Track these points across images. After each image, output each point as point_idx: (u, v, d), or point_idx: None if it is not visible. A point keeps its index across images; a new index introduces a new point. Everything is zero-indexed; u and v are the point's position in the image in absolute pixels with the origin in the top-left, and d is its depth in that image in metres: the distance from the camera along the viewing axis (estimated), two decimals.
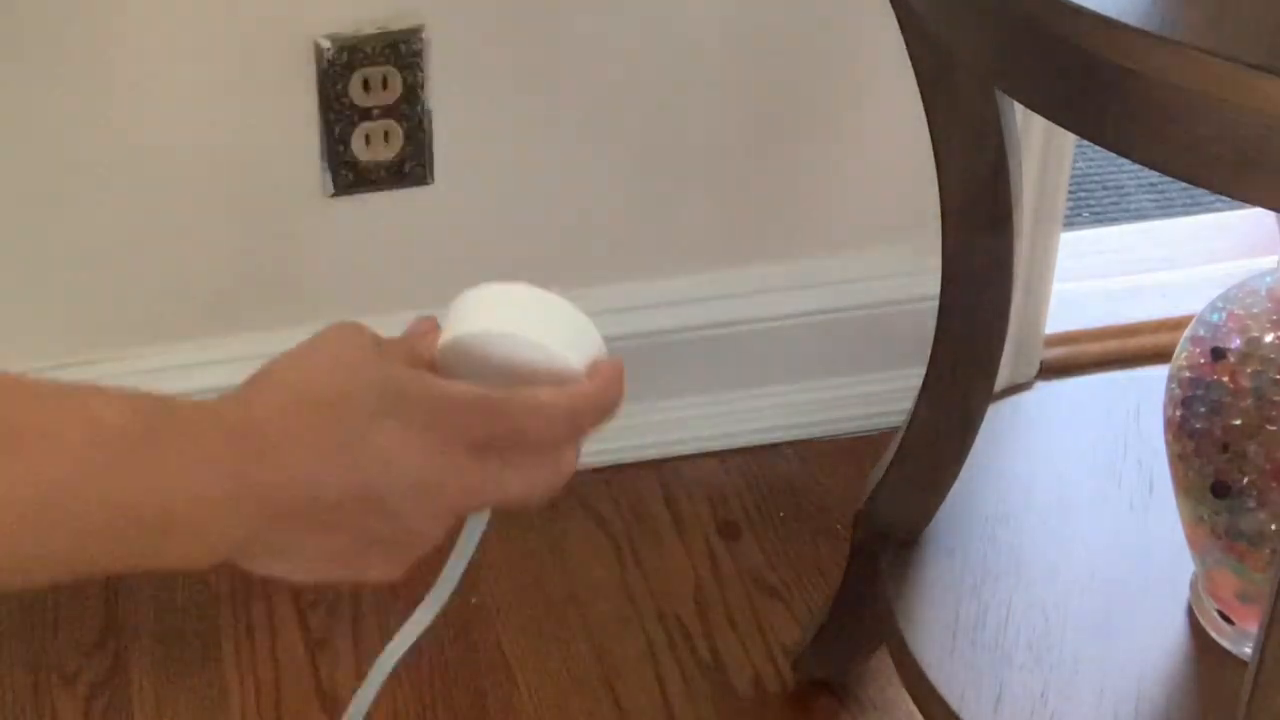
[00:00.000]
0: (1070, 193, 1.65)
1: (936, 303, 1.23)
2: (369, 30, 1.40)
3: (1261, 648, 0.97)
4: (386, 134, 1.43)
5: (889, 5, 1.09)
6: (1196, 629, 1.26)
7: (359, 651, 1.44)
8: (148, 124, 1.41)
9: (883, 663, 1.39)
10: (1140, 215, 1.98)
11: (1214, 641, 1.25)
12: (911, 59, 1.12)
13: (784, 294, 1.58)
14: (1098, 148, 1.32)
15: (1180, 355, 1.22)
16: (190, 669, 1.43)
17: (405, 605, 1.53)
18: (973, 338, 1.23)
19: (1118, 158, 1.60)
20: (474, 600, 1.49)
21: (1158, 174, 1.43)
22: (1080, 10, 0.82)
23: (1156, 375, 1.27)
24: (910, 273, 1.57)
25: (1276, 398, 1.17)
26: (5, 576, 0.61)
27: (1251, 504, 1.18)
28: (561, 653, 1.45)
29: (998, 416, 1.40)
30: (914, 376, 1.28)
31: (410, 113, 1.43)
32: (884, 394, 1.61)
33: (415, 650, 0.89)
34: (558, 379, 0.71)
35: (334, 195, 1.45)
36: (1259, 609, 1.15)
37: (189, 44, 1.38)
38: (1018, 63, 0.89)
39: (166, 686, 1.42)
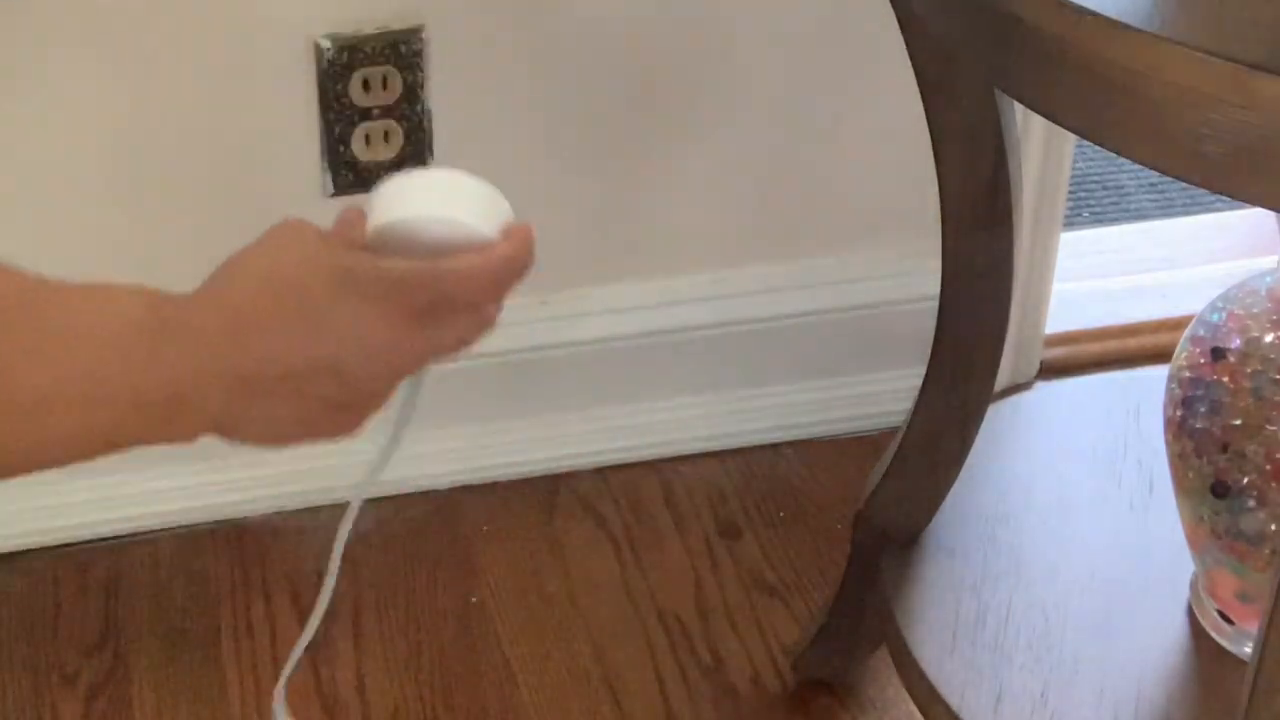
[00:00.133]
0: (1070, 193, 1.65)
1: (936, 303, 1.23)
2: (369, 30, 1.40)
3: (1261, 648, 0.97)
4: (386, 134, 1.43)
5: (889, 5, 1.09)
6: (1196, 629, 1.26)
7: (359, 651, 1.44)
8: (147, 123, 1.41)
9: (883, 663, 1.39)
10: (1140, 215, 1.98)
11: (1214, 641, 1.25)
12: (911, 59, 1.12)
13: (784, 294, 1.58)
14: (1098, 148, 1.32)
15: (1180, 355, 1.22)
16: (190, 669, 1.43)
17: (405, 605, 1.54)
18: (973, 338, 1.23)
19: (1118, 158, 1.60)
20: (474, 600, 1.49)
21: (1158, 174, 1.43)
22: (1081, 10, 0.82)
23: (1156, 375, 1.27)
24: (910, 273, 1.57)
25: (1276, 398, 1.17)
26: (56, 454, 0.74)
27: (1251, 504, 1.18)
28: (561, 653, 1.45)
29: (998, 416, 1.40)
30: (914, 376, 1.28)
31: (410, 113, 1.43)
32: (884, 394, 1.61)
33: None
34: (476, 247, 0.82)
35: (334, 195, 1.45)
36: (1259, 609, 1.15)
37: (189, 44, 1.38)
38: (1018, 63, 0.89)
39: (166, 686, 1.42)
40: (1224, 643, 1.25)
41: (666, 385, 1.59)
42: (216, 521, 1.55)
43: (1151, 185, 2.02)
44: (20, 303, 0.70)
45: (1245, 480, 1.18)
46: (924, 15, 0.97)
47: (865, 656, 1.42)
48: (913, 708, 1.28)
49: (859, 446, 1.62)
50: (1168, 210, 1.99)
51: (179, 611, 1.48)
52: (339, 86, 1.41)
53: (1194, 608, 1.27)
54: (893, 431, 1.31)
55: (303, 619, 1.47)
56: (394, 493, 1.56)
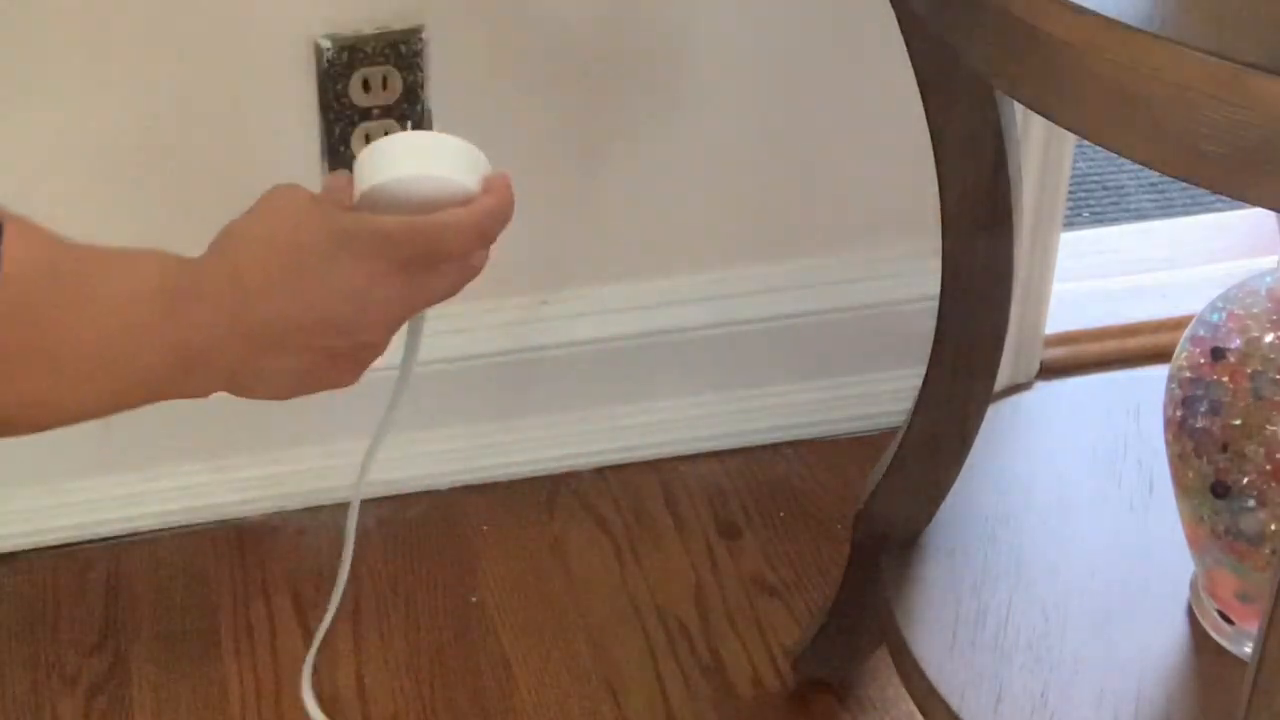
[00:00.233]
0: (1070, 193, 1.65)
1: (936, 303, 1.23)
2: (369, 30, 1.40)
3: (1261, 648, 0.97)
4: (386, 134, 1.43)
5: (889, 5, 1.09)
6: (1196, 629, 1.26)
7: (359, 651, 1.44)
8: (147, 123, 1.41)
9: (883, 663, 1.39)
10: (1140, 215, 1.98)
11: (1214, 641, 1.25)
12: (911, 59, 1.12)
13: (784, 294, 1.58)
14: (1098, 148, 1.32)
15: (1180, 355, 1.22)
16: (190, 669, 1.43)
17: (405, 605, 1.54)
18: (973, 338, 1.23)
19: (1118, 158, 1.60)
20: (474, 600, 1.49)
21: (1158, 174, 1.43)
22: (1081, 10, 0.82)
23: (1156, 375, 1.27)
24: (910, 273, 1.57)
25: (1276, 398, 1.17)
26: (95, 408, 0.77)
27: (1251, 504, 1.18)
28: (561, 653, 1.45)
29: (998, 416, 1.40)
30: (914, 376, 1.28)
31: (410, 113, 1.43)
32: (884, 394, 1.61)
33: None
34: (460, 200, 0.88)
35: None
36: (1259, 609, 1.15)
37: (189, 44, 1.38)
38: (1018, 63, 0.89)
39: (166, 686, 1.42)
40: (1224, 643, 1.25)
41: (666, 385, 1.60)
42: (216, 521, 1.55)
43: (1151, 185, 2.02)
44: (62, 268, 0.74)
45: (1245, 480, 1.18)
46: (924, 15, 0.97)
47: (865, 656, 1.42)
48: (913, 708, 1.28)
49: (859, 446, 1.62)
50: (1168, 210, 1.99)
51: (179, 611, 1.48)
52: (339, 86, 1.41)
53: (1194, 608, 1.27)
54: (893, 431, 1.31)
55: (303, 619, 1.47)
56: (394, 493, 1.57)
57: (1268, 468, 1.17)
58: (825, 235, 1.58)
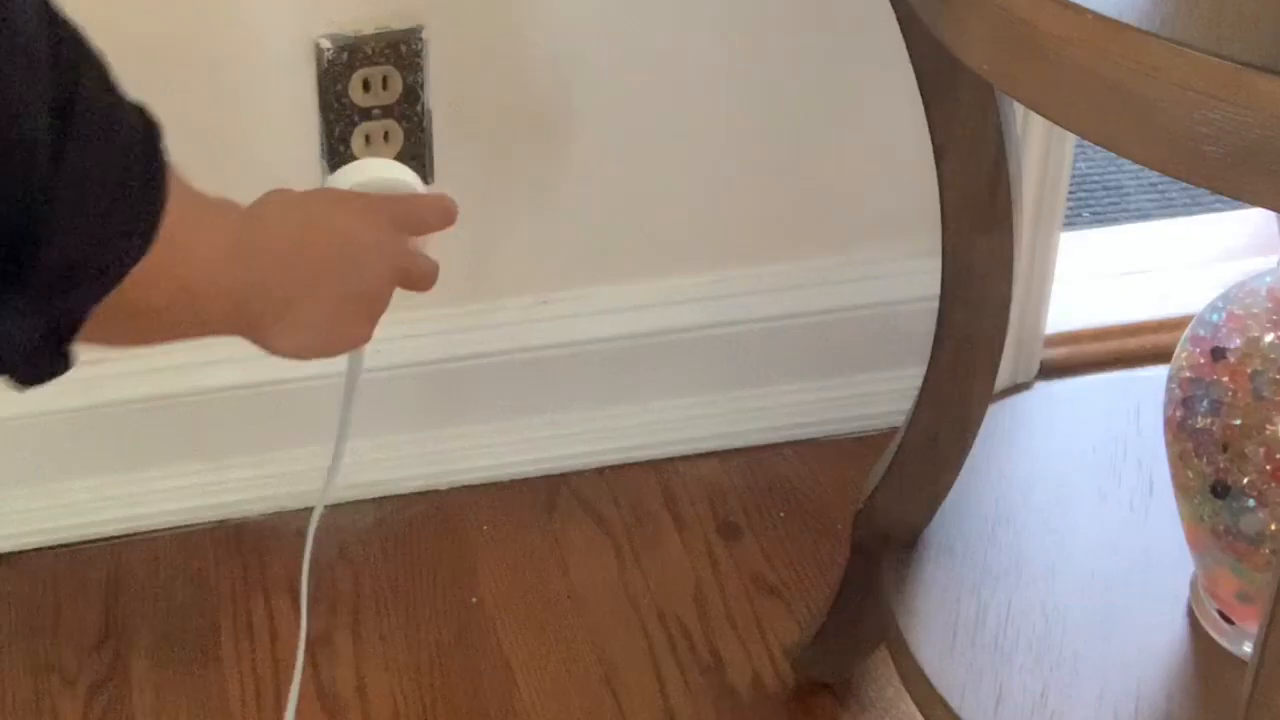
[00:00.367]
0: (1070, 193, 1.65)
1: (936, 303, 1.23)
2: (369, 30, 1.40)
3: (1261, 648, 0.97)
4: (386, 134, 1.43)
5: (889, 5, 1.09)
6: (1196, 629, 1.26)
7: (359, 651, 1.44)
8: None
9: (883, 663, 1.39)
10: (1140, 215, 1.98)
11: (1214, 641, 1.25)
12: (911, 59, 1.12)
13: (784, 294, 1.58)
14: (1097, 148, 1.32)
15: (1180, 355, 1.22)
16: (190, 669, 1.43)
17: (405, 605, 1.54)
18: (973, 338, 1.23)
19: (1118, 158, 1.61)
20: (474, 600, 1.49)
21: (1158, 174, 1.43)
22: (1081, 10, 0.82)
23: (1156, 375, 1.27)
24: (910, 273, 1.57)
25: (1276, 398, 1.17)
26: (180, 333, 0.85)
27: (1251, 504, 1.18)
28: (561, 653, 1.45)
29: (998, 417, 1.40)
30: (914, 376, 1.28)
31: (410, 113, 1.43)
32: (884, 394, 1.61)
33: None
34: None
35: None
36: (1259, 609, 1.15)
37: (189, 44, 1.38)
38: (1017, 63, 0.89)
39: (166, 686, 1.42)
40: (1224, 643, 1.25)
41: (666, 385, 1.60)
42: (216, 521, 1.55)
43: (1151, 185, 2.02)
44: (193, 205, 0.81)
45: (1245, 480, 1.18)
46: (924, 15, 0.97)
47: (865, 656, 1.42)
48: (913, 708, 1.28)
49: (859, 446, 1.62)
50: (1168, 210, 1.99)
51: (179, 611, 1.48)
52: (339, 86, 1.41)
53: (1194, 608, 1.27)
54: (893, 431, 1.31)
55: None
56: (394, 493, 1.57)
57: (1268, 468, 1.17)
58: (825, 235, 1.58)
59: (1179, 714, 1.22)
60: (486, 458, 1.59)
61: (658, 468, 1.61)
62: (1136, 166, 1.92)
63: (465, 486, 1.59)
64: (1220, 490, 1.19)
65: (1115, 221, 1.97)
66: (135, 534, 1.53)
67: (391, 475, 1.54)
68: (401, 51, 1.40)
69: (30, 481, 1.51)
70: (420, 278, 1.01)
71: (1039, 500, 1.35)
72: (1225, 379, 1.18)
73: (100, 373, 1.48)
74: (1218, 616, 1.25)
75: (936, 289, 1.23)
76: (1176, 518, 1.25)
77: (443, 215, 1.03)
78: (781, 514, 1.57)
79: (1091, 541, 1.32)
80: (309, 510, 1.57)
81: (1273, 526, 1.18)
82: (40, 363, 0.74)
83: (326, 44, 1.39)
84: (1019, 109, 1.27)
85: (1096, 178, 2.03)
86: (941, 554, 1.31)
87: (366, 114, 1.42)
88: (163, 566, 1.51)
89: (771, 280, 1.58)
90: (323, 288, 0.94)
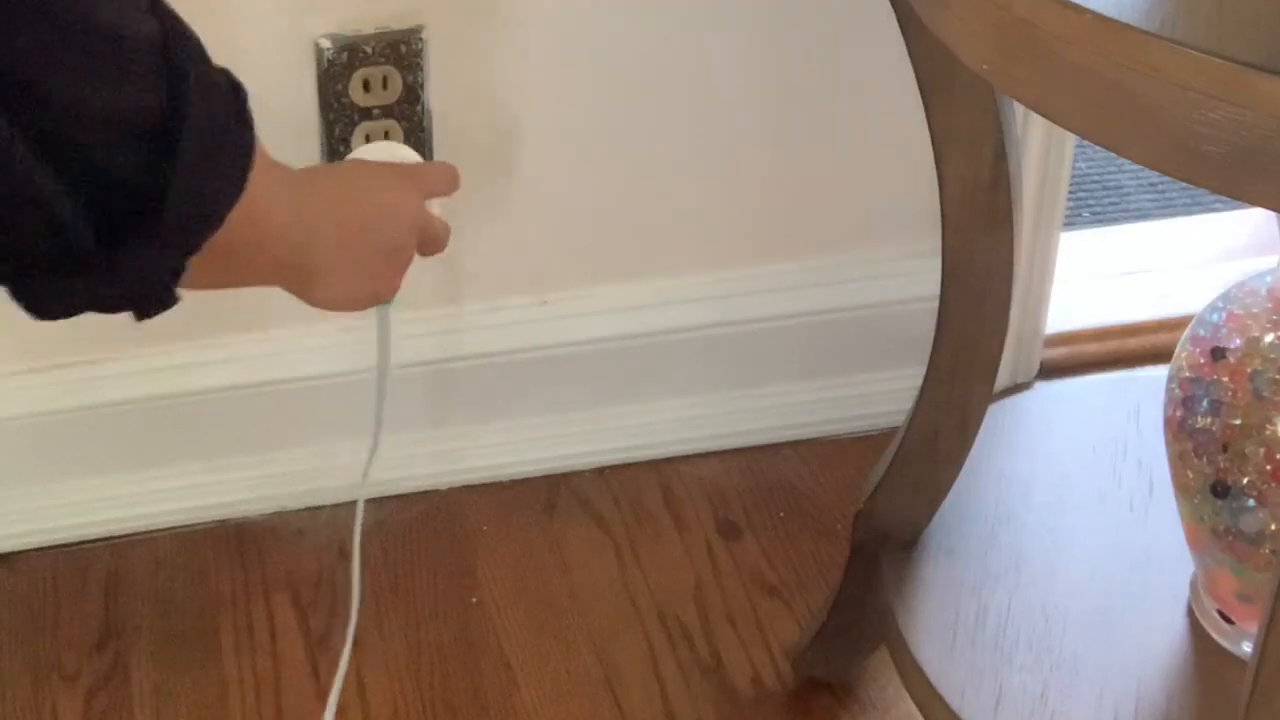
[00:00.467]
0: (1070, 193, 1.65)
1: (936, 303, 1.23)
2: (369, 30, 1.40)
3: (1261, 648, 0.97)
4: (386, 134, 1.43)
5: (889, 5, 1.09)
6: (1196, 629, 1.27)
7: (359, 651, 1.44)
8: None
9: (883, 663, 1.39)
10: (1140, 215, 1.98)
11: (1214, 641, 1.25)
12: (911, 59, 1.12)
13: (784, 294, 1.58)
14: (1097, 148, 1.32)
15: (1180, 355, 1.22)
16: (190, 669, 1.43)
17: (405, 605, 1.54)
18: (973, 338, 1.23)
19: (1118, 158, 1.61)
20: (474, 600, 1.49)
21: (1158, 174, 1.43)
22: (1081, 10, 0.82)
23: (1156, 375, 1.27)
24: (910, 273, 1.57)
25: (1276, 398, 1.17)
26: (240, 277, 0.94)
27: (1251, 504, 1.18)
28: (561, 653, 1.45)
29: (998, 416, 1.40)
30: (914, 376, 1.28)
31: (410, 113, 1.43)
32: (884, 394, 1.61)
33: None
34: None
35: None
36: (1259, 609, 1.15)
37: None
38: (1017, 63, 0.89)
39: (166, 686, 1.42)
40: (1224, 643, 1.25)
41: (666, 385, 1.60)
42: (216, 521, 1.55)
43: (1151, 185, 2.02)
44: (261, 153, 0.90)
45: (1245, 480, 1.18)
46: (924, 15, 0.97)
47: (865, 656, 1.42)
48: (913, 708, 1.28)
49: (859, 446, 1.62)
50: (1168, 210, 1.99)
51: (179, 611, 1.48)
52: (339, 86, 1.41)
53: (1194, 608, 1.27)
54: (893, 431, 1.31)
55: (303, 619, 1.47)
56: (394, 493, 1.57)
57: (1268, 468, 1.17)
58: (825, 235, 1.58)
59: (1179, 714, 1.22)
60: (486, 458, 1.59)
61: (658, 468, 1.61)
62: (1136, 166, 1.92)
63: (465, 486, 1.59)
64: (1220, 490, 1.19)
65: (1115, 221, 1.97)
66: (135, 534, 1.53)
67: (391, 475, 1.54)
68: (401, 51, 1.40)
69: (30, 481, 1.51)
70: (435, 236, 1.13)
71: (1039, 500, 1.35)
72: (1225, 379, 1.18)
73: (100, 373, 1.48)
74: (1218, 616, 1.25)
75: (936, 289, 1.23)
76: (1176, 518, 1.25)
77: (451, 180, 1.17)
78: (781, 514, 1.57)
79: (1091, 541, 1.32)
80: (309, 510, 1.58)
81: (1273, 526, 1.18)
82: (166, 299, 0.85)
83: (326, 44, 1.39)
84: (1019, 109, 1.27)
85: (1096, 178, 2.03)
86: (941, 554, 1.31)
87: (366, 114, 1.42)
88: (163, 566, 1.51)
89: (771, 280, 1.58)
90: (358, 244, 1.05)
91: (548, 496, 1.58)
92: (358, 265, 1.05)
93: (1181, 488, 1.22)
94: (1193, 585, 1.28)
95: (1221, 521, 1.20)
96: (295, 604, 1.48)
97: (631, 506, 1.58)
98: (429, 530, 1.55)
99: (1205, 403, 1.19)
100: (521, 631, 1.47)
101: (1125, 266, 1.79)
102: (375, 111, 1.42)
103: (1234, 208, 1.84)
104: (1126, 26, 0.81)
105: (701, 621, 1.48)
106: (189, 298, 1.22)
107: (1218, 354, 1.19)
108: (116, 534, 1.53)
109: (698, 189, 1.53)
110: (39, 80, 0.75)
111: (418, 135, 1.44)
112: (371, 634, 1.46)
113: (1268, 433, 1.17)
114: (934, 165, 1.17)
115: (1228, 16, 0.82)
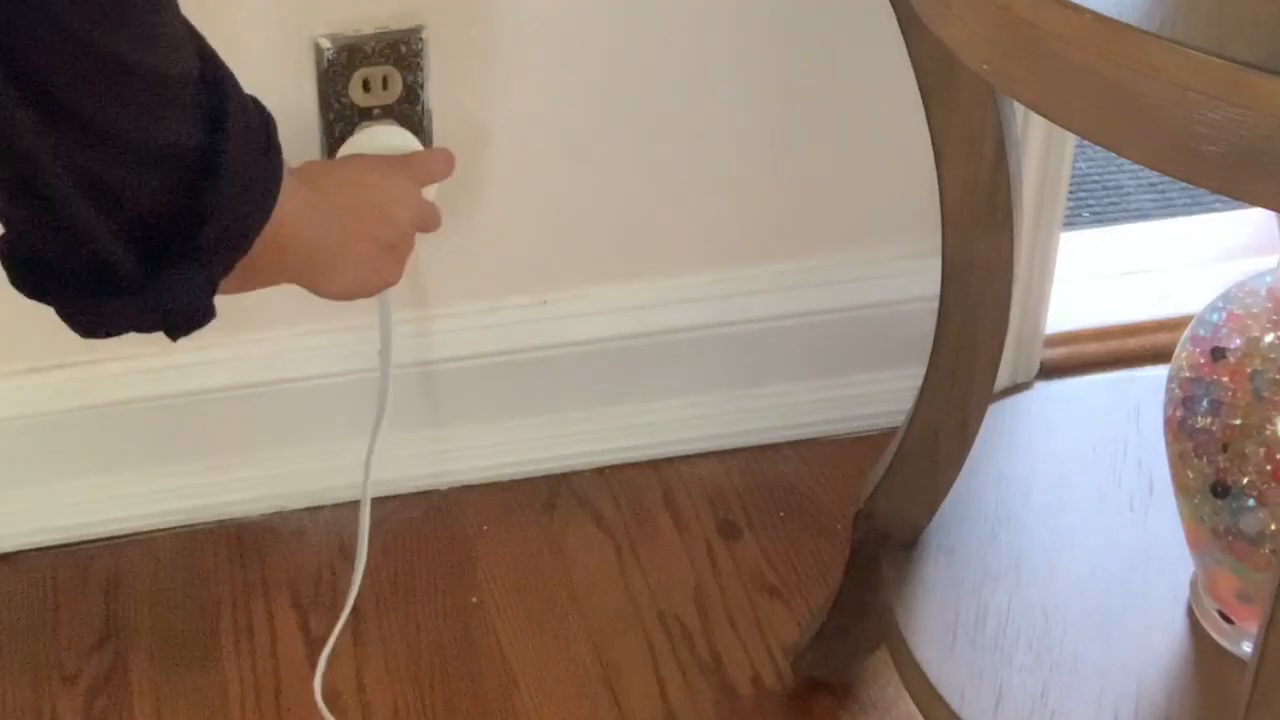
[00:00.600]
0: (1070, 193, 1.65)
1: (936, 303, 1.23)
2: (369, 30, 1.40)
3: (1261, 648, 0.97)
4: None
5: (888, 5, 1.09)
6: (1196, 629, 1.27)
7: (359, 651, 1.44)
8: None
9: (883, 663, 1.39)
10: (1140, 215, 1.98)
11: (1214, 641, 1.25)
12: (911, 59, 1.12)
13: (784, 293, 1.58)
14: (1097, 148, 1.32)
15: (1180, 355, 1.22)
16: (190, 669, 1.43)
17: (405, 605, 1.54)
18: (973, 338, 1.23)
19: (1118, 158, 1.61)
20: (474, 600, 1.49)
21: (1158, 174, 1.43)
22: (1080, 10, 0.82)
23: (1156, 375, 1.27)
24: (910, 273, 1.57)
25: (1276, 398, 1.17)
26: (260, 281, 0.99)
27: (1251, 504, 1.18)
28: (561, 653, 1.45)
29: (998, 416, 1.40)
30: (914, 376, 1.28)
31: (410, 113, 1.43)
32: (884, 394, 1.61)
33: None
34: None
35: None
36: (1259, 609, 1.15)
37: None
38: (1017, 63, 0.89)
39: (166, 686, 1.42)
40: (1224, 643, 1.25)
41: (666, 385, 1.60)
42: (216, 521, 1.55)
43: (1151, 185, 2.02)
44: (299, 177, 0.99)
45: (1245, 480, 1.18)
46: (924, 15, 0.97)
47: (865, 656, 1.42)
48: (913, 708, 1.28)
49: (859, 446, 1.62)
50: (1168, 210, 1.99)
51: (179, 611, 1.48)
52: (339, 86, 1.41)
53: (1194, 608, 1.27)
54: (893, 431, 1.31)
55: (303, 619, 1.47)
56: (394, 493, 1.57)
57: (1268, 468, 1.17)
58: (825, 235, 1.58)
59: (1179, 714, 1.22)
60: (486, 458, 1.59)
61: (658, 468, 1.61)
62: (1136, 166, 1.92)
63: (465, 486, 1.59)
64: (1220, 490, 1.19)
65: (1115, 221, 1.97)
66: (135, 534, 1.53)
67: (391, 475, 1.54)
68: (401, 51, 1.40)
69: (30, 481, 1.51)
70: (428, 220, 1.23)
71: (1039, 500, 1.35)
72: (1225, 379, 1.18)
73: (100, 373, 1.48)
74: (1218, 616, 1.25)
75: (936, 289, 1.23)
76: (1176, 518, 1.25)
77: (446, 165, 1.29)
78: (781, 514, 1.57)
79: (1091, 541, 1.32)
80: (309, 510, 1.58)
81: (1273, 526, 1.18)
82: (203, 317, 0.91)
83: (326, 44, 1.39)
84: (1019, 109, 1.27)
85: (1096, 178, 2.03)
86: (941, 554, 1.31)
87: (366, 114, 1.42)
88: (163, 566, 1.51)
89: (771, 280, 1.58)
90: (364, 238, 1.11)
91: (548, 496, 1.58)
92: (364, 258, 1.11)
93: (1181, 488, 1.22)
94: (1193, 585, 1.28)
95: (1221, 521, 1.20)
96: (295, 604, 1.48)
97: (631, 506, 1.58)
98: (429, 530, 1.55)
99: (1205, 403, 1.19)
100: (521, 631, 1.47)
101: (1125, 266, 1.79)
102: (375, 111, 1.42)
103: (1234, 208, 1.84)
104: (1126, 26, 0.81)
105: (701, 621, 1.48)
106: None
107: (1218, 354, 1.19)
108: (116, 534, 1.53)
109: (698, 189, 1.53)
110: (92, 116, 0.80)
111: (418, 135, 1.44)
112: (371, 634, 1.46)
113: (1268, 433, 1.17)
114: (934, 165, 1.17)
115: (1228, 16, 0.82)
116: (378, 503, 1.55)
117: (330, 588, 1.49)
